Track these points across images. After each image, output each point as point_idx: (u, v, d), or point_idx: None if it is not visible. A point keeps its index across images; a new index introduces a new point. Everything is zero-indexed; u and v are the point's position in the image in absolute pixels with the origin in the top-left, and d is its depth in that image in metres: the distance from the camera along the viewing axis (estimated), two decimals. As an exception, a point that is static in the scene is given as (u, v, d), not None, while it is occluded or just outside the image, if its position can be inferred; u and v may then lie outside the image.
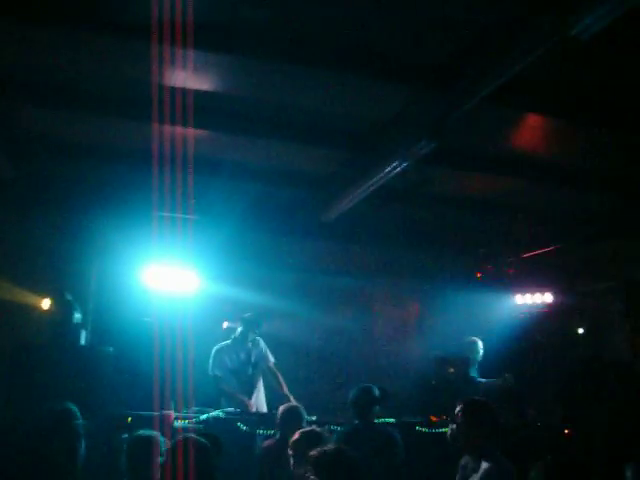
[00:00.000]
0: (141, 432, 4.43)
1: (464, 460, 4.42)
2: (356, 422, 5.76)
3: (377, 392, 5.83)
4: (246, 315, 8.03)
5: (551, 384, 8.85)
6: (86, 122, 6.34)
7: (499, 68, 4.68)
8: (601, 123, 5.83)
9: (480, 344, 8.39)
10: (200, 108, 5.14)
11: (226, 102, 5.78)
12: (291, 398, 7.65)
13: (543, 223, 8.82)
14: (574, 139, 6.37)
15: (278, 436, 5.66)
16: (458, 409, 4.34)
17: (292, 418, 5.62)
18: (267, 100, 5.78)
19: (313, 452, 3.47)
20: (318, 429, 4.94)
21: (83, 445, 3.91)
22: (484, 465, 4.08)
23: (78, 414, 4.47)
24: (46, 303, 7.36)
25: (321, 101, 5.71)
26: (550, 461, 3.14)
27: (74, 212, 8.19)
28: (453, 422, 4.40)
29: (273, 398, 8.12)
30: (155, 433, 4.47)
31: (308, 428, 4.98)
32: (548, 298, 9.84)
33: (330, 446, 3.63)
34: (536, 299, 9.90)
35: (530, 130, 6.34)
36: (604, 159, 6.71)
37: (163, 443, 4.31)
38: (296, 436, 4.75)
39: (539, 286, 9.86)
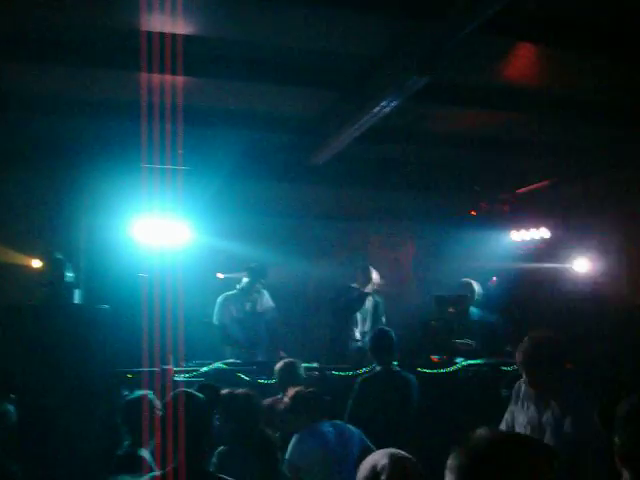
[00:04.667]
0: (132, 394, 4.67)
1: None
2: (377, 368, 5.75)
3: (394, 336, 5.75)
4: (252, 265, 7.92)
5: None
6: (71, 75, 6.09)
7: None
8: (598, 51, 5.61)
9: (475, 285, 8.16)
10: (188, 54, 4.95)
11: (213, 46, 5.57)
12: (282, 353, 7.60)
13: (538, 157, 8.67)
14: (570, 69, 6.17)
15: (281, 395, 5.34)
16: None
17: (290, 374, 5.39)
18: (253, 42, 5.56)
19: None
20: (313, 390, 4.72)
21: None
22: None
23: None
24: (36, 263, 7.23)
25: (308, 40, 5.50)
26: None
27: (62, 167, 7.97)
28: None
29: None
30: (144, 392, 4.52)
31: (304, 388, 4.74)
32: (544, 233, 9.74)
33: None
34: (532, 235, 9.80)
35: (524, 61, 6.13)
36: (601, 90, 6.55)
37: (154, 399, 4.36)
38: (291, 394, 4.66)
39: (535, 222, 9.75)
